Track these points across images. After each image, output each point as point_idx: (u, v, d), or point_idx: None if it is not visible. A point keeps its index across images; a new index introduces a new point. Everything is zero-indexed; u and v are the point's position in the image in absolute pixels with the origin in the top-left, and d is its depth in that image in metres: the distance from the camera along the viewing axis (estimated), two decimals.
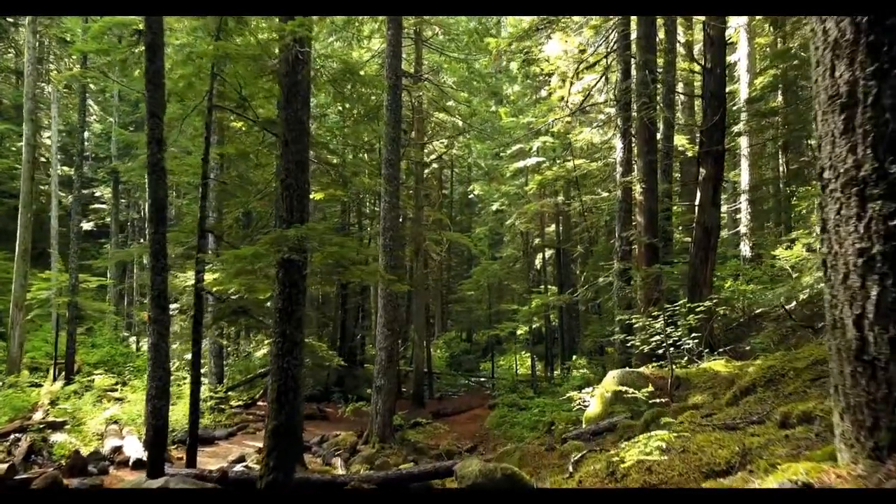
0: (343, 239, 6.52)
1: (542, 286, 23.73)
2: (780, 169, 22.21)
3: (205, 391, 14.58)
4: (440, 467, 7.42)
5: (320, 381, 22.44)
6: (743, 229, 20.43)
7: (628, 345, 8.90)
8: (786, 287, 7.66)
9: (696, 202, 11.69)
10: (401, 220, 21.64)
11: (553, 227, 24.63)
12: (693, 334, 8.24)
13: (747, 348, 8.59)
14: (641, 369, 7.92)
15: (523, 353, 26.95)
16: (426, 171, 26.08)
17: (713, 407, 5.44)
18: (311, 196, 10.02)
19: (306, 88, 6.81)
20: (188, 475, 7.43)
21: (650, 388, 7.50)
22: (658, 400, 7.31)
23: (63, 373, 17.09)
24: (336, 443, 12.39)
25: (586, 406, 8.92)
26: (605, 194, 21.35)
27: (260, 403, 17.53)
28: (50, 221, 22.85)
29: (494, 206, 25.42)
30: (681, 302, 7.61)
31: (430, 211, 23.21)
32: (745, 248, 20.60)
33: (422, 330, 20.25)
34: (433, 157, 25.30)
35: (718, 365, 7.59)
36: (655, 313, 7.79)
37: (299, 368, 6.29)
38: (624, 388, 7.61)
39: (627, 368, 8.12)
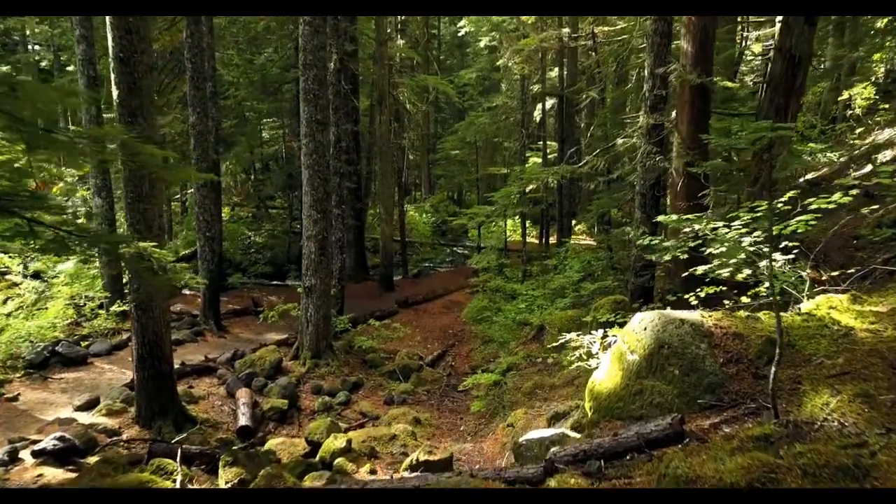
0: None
1: (541, 142, 19.69)
2: None
3: (83, 291, 11.22)
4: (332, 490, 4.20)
5: (276, 257, 19.23)
6: None
7: (662, 258, 5.27)
8: None
9: (778, 17, 7.46)
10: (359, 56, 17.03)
11: (556, 70, 20.00)
12: (784, 244, 4.62)
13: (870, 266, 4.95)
14: (695, 314, 4.39)
15: (515, 217, 23.63)
16: None
17: None
18: None
19: None
20: None
21: (716, 355, 4.04)
22: (736, 383, 3.88)
23: None
24: (253, 361, 9.29)
25: (593, 366, 5.55)
26: (622, 24, 16.56)
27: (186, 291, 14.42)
28: None
29: (483, 42, 20.49)
30: (788, 194, 3.87)
31: (401, 48, 18.44)
32: None
33: (389, 199, 16.60)
34: None
35: (845, 312, 4.06)
36: (731, 214, 4.12)
37: None
38: (666, 349, 4.17)
39: (668, 310, 4.59)
